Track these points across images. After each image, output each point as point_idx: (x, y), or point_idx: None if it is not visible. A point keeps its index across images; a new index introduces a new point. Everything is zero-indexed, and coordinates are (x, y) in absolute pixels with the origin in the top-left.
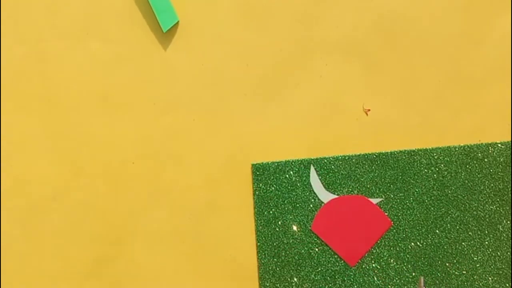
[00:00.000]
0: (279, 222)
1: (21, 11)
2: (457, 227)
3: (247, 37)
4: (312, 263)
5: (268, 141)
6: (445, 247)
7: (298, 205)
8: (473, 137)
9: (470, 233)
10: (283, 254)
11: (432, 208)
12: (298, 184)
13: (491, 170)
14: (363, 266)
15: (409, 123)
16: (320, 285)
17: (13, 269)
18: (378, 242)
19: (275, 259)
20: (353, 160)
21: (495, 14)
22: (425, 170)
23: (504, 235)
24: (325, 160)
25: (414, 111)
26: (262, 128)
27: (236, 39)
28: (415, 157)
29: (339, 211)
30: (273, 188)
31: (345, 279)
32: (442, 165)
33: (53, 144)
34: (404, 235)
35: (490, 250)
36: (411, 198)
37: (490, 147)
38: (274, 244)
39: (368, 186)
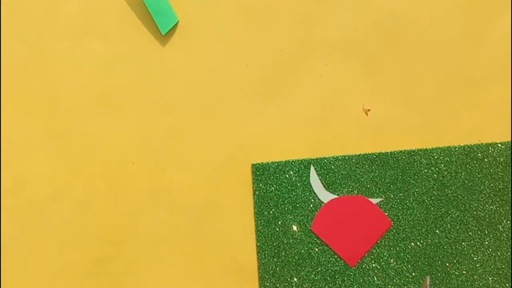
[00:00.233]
0: (279, 222)
1: (21, 11)
2: (457, 227)
3: (247, 37)
4: (312, 263)
5: (268, 141)
6: (445, 247)
7: (298, 205)
8: (473, 137)
9: (470, 233)
10: (283, 254)
11: (432, 208)
12: (298, 184)
13: (491, 170)
14: (363, 266)
15: (409, 123)
16: (320, 285)
17: (13, 269)
18: (378, 242)
19: (275, 259)
20: (353, 160)
21: (495, 14)
22: (425, 170)
23: (504, 235)
24: (325, 160)
25: (414, 111)
26: (262, 128)
27: (236, 39)
28: (415, 157)
29: (339, 211)
30: (273, 188)
31: (345, 279)
32: (442, 165)
33: (53, 144)
34: (404, 235)
35: (490, 250)
36: (411, 198)
37: (490, 147)
38: (274, 244)
39: (368, 186)
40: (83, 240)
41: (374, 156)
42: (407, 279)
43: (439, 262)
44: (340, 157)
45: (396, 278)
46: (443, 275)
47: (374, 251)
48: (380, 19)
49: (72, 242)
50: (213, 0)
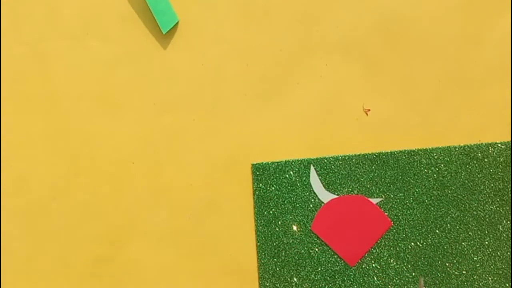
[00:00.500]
0: (279, 222)
1: (21, 11)
2: (457, 227)
3: (247, 37)
4: (312, 263)
5: (268, 141)
6: (445, 247)
7: (298, 205)
8: (473, 137)
9: (470, 233)
10: (283, 254)
11: (432, 208)
12: (298, 184)
13: (491, 170)
14: (363, 266)
15: (409, 123)
16: (320, 285)
17: (13, 269)
18: (378, 242)
19: (275, 259)
20: (353, 160)
21: (495, 14)
22: (425, 170)
23: (504, 235)
24: (325, 160)
25: (414, 111)
26: (262, 128)
27: (236, 39)
28: (415, 157)
29: (339, 211)
30: (273, 188)
31: (345, 279)
32: (442, 165)
33: (53, 144)
34: (404, 235)
35: (490, 250)
36: (411, 198)
37: (490, 147)
38: (274, 244)
39: (368, 186)
40: (83, 240)
41: (374, 156)
42: (407, 279)
43: (439, 262)
44: (340, 157)
45: (396, 278)
46: (443, 275)
47: (374, 251)
48: (380, 19)
49: (72, 242)
50: (213, 0)
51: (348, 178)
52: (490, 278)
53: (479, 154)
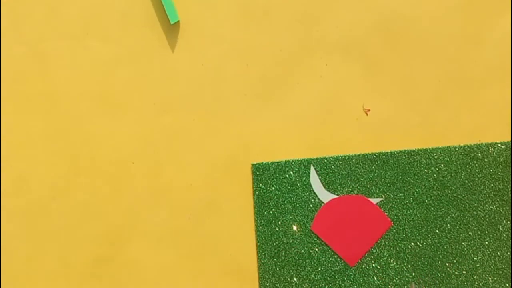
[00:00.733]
0: (279, 222)
1: (21, 11)
2: (457, 227)
3: (247, 37)
4: (312, 263)
5: (268, 141)
6: (445, 247)
7: (298, 205)
8: (473, 137)
9: (470, 233)
10: (283, 254)
11: (432, 208)
12: (298, 184)
13: (491, 170)
14: (363, 266)
15: (409, 123)
16: (320, 285)
17: (13, 269)
18: (378, 242)
19: (275, 259)
20: (353, 160)
21: (495, 14)
22: (425, 170)
23: (504, 235)
24: (325, 160)
25: (414, 111)
26: (262, 128)
27: (236, 39)
28: (415, 157)
29: (339, 211)
30: (273, 188)
31: (345, 279)
32: (442, 165)
33: (53, 144)
34: (404, 235)
35: (490, 250)
36: (411, 198)
37: (490, 147)
38: (274, 244)
39: (368, 186)
40: (83, 240)
41: (374, 156)
42: (407, 279)
43: (439, 262)
44: (340, 157)
45: (396, 278)
46: (443, 275)
47: (374, 251)
48: (380, 19)
49: (72, 242)
50: (213, 0)
51: (348, 178)
52: (490, 278)
53: (479, 154)
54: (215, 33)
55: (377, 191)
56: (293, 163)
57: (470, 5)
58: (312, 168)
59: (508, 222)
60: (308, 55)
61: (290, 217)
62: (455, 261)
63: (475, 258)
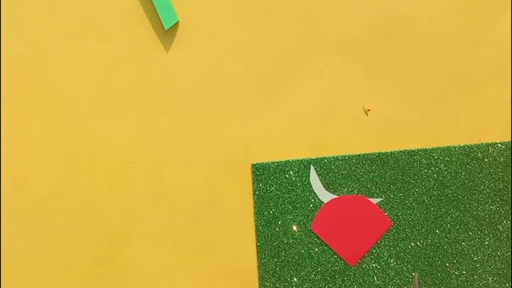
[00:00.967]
0: (279, 222)
1: (21, 11)
2: (457, 227)
3: (247, 37)
4: (312, 263)
5: (268, 141)
6: (445, 247)
7: (298, 205)
8: (473, 137)
9: (470, 233)
10: (283, 254)
11: (432, 208)
12: (298, 184)
13: (491, 170)
14: (363, 266)
15: (409, 123)
16: (320, 285)
17: (13, 269)
18: (378, 242)
19: (275, 259)
20: (353, 160)
21: (495, 14)
22: (425, 170)
23: (504, 235)
24: (325, 160)
25: (414, 111)
26: (262, 128)
27: (236, 39)
28: (415, 157)
29: (339, 211)
30: (273, 188)
31: (345, 279)
32: (442, 165)
33: (53, 144)
34: (404, 235)
35: (490, 250)
36: (411, 198)
37: (490, 147)
38: (274, 244)
39: (368, 186)
40: (83, 240)
41: (374, 156)
42: (407, 279)
43: (439, 262)
44: (340, 157)
45: (396, 278)
46: (443, 275)
47: (374, 251)
48: (380, 19)
49: (72, 242)
50: (213, 0)
51: (348, 178)
52: (490, 278)
53: (479, 154)
54: (215, 33)
55: (377, 191)
56: (293, 163)
57: (470, 5)
58: (312, 168)
59: (508, 222)
60: (308, 55)
61: (290, 217)
62: (455, 261)
63: (475, 258)
